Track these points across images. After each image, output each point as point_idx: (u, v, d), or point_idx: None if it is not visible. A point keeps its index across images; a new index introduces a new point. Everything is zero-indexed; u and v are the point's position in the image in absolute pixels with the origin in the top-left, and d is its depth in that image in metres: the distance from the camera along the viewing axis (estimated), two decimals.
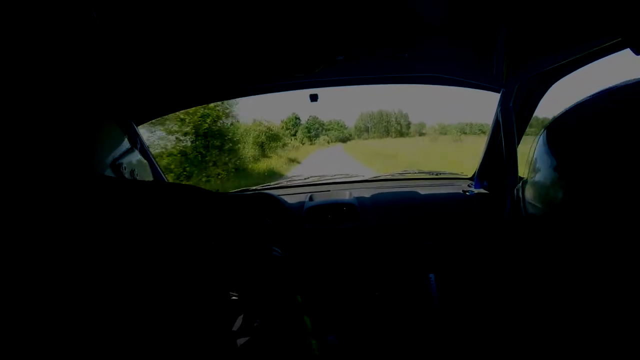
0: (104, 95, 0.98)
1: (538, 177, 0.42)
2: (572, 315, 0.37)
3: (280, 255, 0.74)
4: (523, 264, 0.46)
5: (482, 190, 1.47)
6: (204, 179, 8.74)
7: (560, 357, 0.36)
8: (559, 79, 1.11)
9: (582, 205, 0.35)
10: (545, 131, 0.43)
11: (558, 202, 0.39)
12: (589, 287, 0.36)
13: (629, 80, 0.37)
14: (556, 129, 0.42)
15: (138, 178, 0.69)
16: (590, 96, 0.39)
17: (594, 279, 0.36)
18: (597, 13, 0.66)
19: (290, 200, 1.52)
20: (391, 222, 1.39)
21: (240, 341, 0.56)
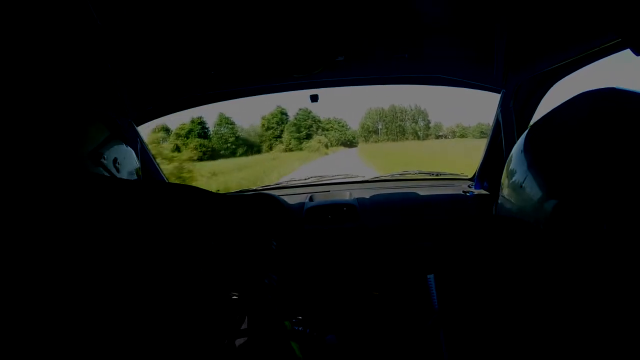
0: (99, 95, 0.97)
1: (513, 179, 0.45)
2: (570, 315, 0.37)
3: (274, 284, 0.74)
4: (521, 264, 0.46)
5: (482, 191, 1.47)
6: None
7: (560, 357, 0.37)
8: (559, 80, 1.11)
9: (558, 204, 0.37)
10: (522, 138, 0.45)
11: (532, 202, 0.41)
12: (579, 287, 0.37)
13: (598, 89, 0.39)
14: (530, 137, 0.44)
15: (121, 168, 0.67)
16: (562, 103, 0.42)
17: (581, 280, 0.37)
18: (597, 13, 0.66)
19: (291, 200, 1.52)
20: (391, 222, 1.39)
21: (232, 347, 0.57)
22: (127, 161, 0.69)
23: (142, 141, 1.34)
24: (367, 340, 1.16)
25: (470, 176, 1.65)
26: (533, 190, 0.40)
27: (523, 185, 0.42)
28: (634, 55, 0.55)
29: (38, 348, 0.37)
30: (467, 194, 1.48)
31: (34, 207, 0.40)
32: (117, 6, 0.80)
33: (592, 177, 0.34)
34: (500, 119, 1.19)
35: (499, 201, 0.51)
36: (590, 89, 0.41)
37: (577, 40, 0.85)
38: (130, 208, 0.47)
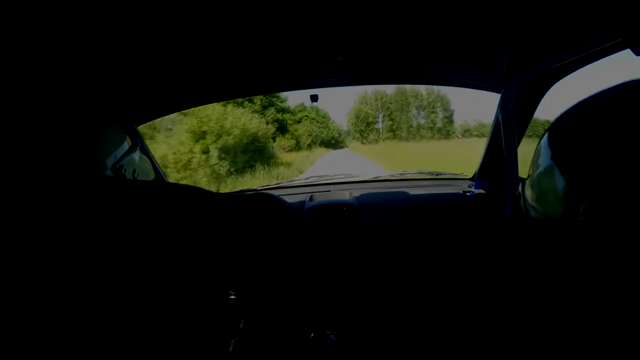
0: (106, 97, 0.97)
1: (539, 177, 0.42)
2: (572, 316, 0.37)
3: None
4: (523, 263, 0.46)
5: (482, 191, 1.47)
6: None
7: (559, 357, 0.37)
8: (559, 80, 1.11)
9: (588, 207, 0.35)
10: (548, 130, 0.42)
11: (560, 205, 0.38)
12: (590, 289, 0.37)
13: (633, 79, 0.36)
14: (560, 128, 0.41)
15: (139, 178, 0.69)
16: (594, 93, 0.38)
17: (594, 282, 0.36)
18: (597, 14, 0.66)
19: (291, 200, 1.52)
20: (391, 222, 1.39)
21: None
22: (144, 170, 0.71)
23: (142, 141, 1.34)
24: (367, 340, 1.16)
25: (470, 176, 1.65)
26: (567, 188, 0.37)
27: (554, 182, 0.38)
28: (634, 55, 0.55)
29: (38, 346, 0.37)
30: (467, 193, 1.48)
31: (38, 208, 0.41)
32: (117, 6, 0.80)
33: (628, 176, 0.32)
34: (500, 119, 1.20)
35: (527, 199, 0.48)
36: (591, 87, 0.40)
37: (578, 41, 0.85)
38: (129, 207, 0.47)
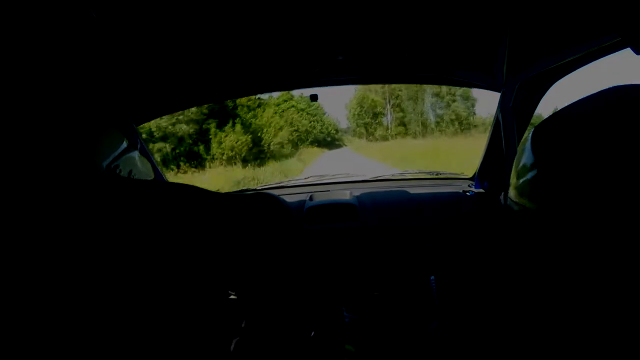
0: (105, 97, 0.98)
1: (519, 175, 0.45)
2: (567, 312, 0.37)
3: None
4: (519, 261, 0.46)
5: (482, 190, 1.47)
6: None
7: (558, 354, 0.37)
8: (559, 79, 1.11)
9: (561, 202, 0.37)
10: (530, 134, 0.45)
11: (535, 199, 0.41)
12: (573, 285, 0.37)
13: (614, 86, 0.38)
14: (538, 132, 0.44)
15: (137, 177, 0.69)
16: (575, 101, 0.41)
17: (575, 277, 0.37)
18: (597, 12, 0.66)
19: (291, 200, 1.52)
20: (391, 222, 1.39)
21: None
22: (143, 170, 0.71)
23: (141, 141, 1.34)
24: (366, 339, 1.16)
25: (470, 175, 1.65)
26: (545, 186, 0.39)
27: (535, 181, 0.41)
28: (634, 54, 0.55)
29: (38, 346, 0.37)
30: (468, 193, 1.48)
31: (37, 207, 0.41)
32: (117, 5, 0.80)
33: (605, 177, 0.34)
34: (500, 119, 1.19)
35: (510, 197, 0.50)
36: (590, 88, 0.41)
37: (577, 39, 0.85)
38: (129, 206, 0.47)
